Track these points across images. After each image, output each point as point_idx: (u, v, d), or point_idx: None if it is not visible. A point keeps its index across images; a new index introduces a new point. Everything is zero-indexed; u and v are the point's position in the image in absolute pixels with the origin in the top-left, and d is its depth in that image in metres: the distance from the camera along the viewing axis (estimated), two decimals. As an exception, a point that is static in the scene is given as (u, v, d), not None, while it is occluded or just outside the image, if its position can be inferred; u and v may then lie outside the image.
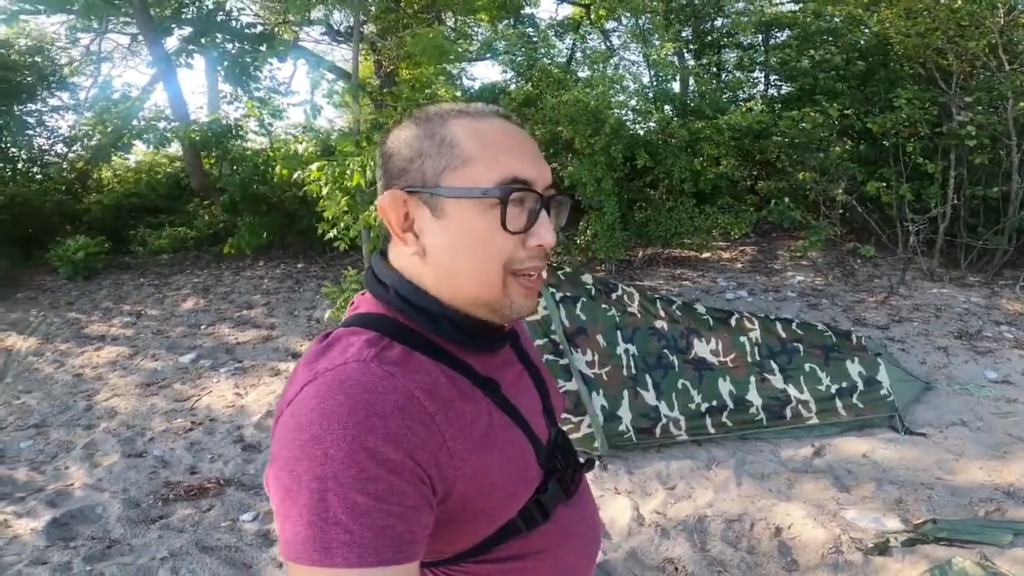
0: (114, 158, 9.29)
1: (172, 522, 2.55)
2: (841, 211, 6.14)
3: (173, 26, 7.19)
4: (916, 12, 5.58)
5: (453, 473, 0.63)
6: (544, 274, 0.73)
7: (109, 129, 7.02)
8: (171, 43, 7.61)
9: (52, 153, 9.58)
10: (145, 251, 8.63)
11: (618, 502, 2.64)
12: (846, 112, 5.74)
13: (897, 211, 5.82)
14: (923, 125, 5.65)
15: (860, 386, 3.32)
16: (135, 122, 7.62)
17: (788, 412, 3.22)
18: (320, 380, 0.61)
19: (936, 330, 4.67)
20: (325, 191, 4.34)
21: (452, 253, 0.68)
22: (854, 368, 3.37)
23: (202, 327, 5.58)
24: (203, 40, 7.13)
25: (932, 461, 2.88)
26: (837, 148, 5.75)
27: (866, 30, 6.22)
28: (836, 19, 6.50)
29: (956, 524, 2.32)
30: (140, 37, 8.10)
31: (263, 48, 6.72)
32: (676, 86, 7.12)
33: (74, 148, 9.56)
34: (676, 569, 2.22)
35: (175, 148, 8.84)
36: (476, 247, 0.66)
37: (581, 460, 0.84)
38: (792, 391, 3.27)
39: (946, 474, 2.77)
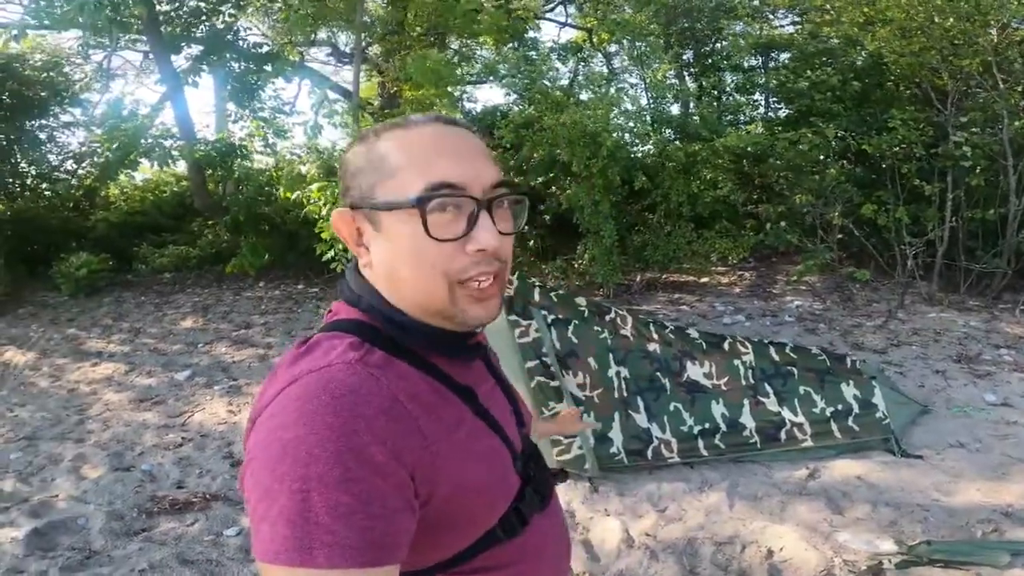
0: (121, 176, 9.38)
1: (154, 535, 2.53)
2: (840, 235, 6.14)
3: (183, 44, 7.32)
4: (911, 31, 5.57)
5: (435, 476, 0.63)
6: (508, 276, 0.71)
7: (115, 146, 7.11)
8: (180, 61, 7.75)
9: (62, 170, 9.65)
10: (147, 269, 8.67)
11: (608, 523, 2.61)
12: (842, 134, 5.75)
13: (895, 234, 5.81)
14: (919, 146, 5.65)
15: (855, 409, 3.29)
16: (143, 140, 7.71)
17: (783, 435, 3.18)
18: (303, 381, 0.61)
19: (935, 354, 4.63)
20: (324, 212, 4.39)
21: (392, 265, 0.68)
22: (849, 391, 3.34)
23: (199, 345, 5.58)
24: (213, 58, 7.26)
25: (929, 483, 2.84)
26: (833, 170, 5.74)
27: (862, 51, 6.26)
28: (833, 40, 6.54)
29: (951, 545, 2.28)
30: (151, 55, 8.24)
31: (268, 68, 6.83)
32: (676, 109, 7.20)
33: (83, 165, 9.66)
34: (663, 591, 2.18)
35: (182, 167, 8.93)
36: (411, 257, 0.66)
37: (552, 471, 0.85)
38: (787, 414, 3.24)
39: (943, 495, 2.73)
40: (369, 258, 0.71)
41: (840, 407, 3.29)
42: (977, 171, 5.50)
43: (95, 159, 8.78)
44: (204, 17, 7.39)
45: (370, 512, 0.55)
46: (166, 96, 8.19)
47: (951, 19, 5.31)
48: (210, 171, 7.83)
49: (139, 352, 5.47)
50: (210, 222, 9.09)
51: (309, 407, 0.58)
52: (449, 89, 5.52)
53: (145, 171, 10.01)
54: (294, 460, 0.55)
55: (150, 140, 7.74)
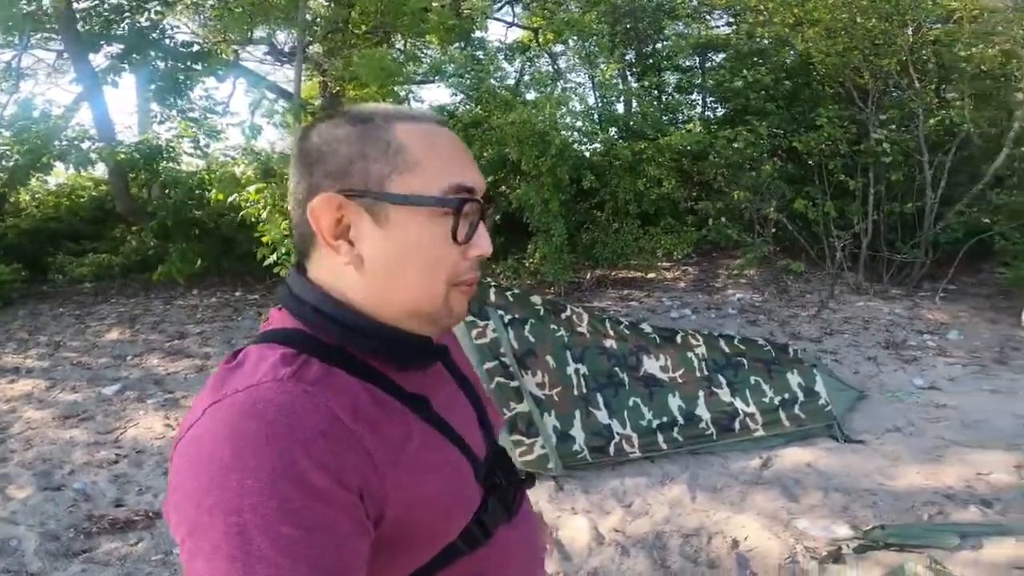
0: (32, 181, 8.70)
1: (96, 556, 2.36)
2: (774, 229, 6.40)
3: (102, 43, 6.85)
4: (836, 31, 5.84)
5: (384, 494, 0.58)
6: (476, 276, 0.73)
7: (26, 148, 6.58)
8: (99, 60, 7.26)
9: (-35, 176, 8.87)
10: (65, 279, 8.08)
11: (576, 522, 2.60)
12: (775, 131, 5.98)
13: (823, 228, 6.11)
14: (843, 143, 5.96)
15: (800, 397, 3.42)
16: (57, 142, 7.16)
17: (736, 425, 3.27)
18: (227, 402, 0.55)
19: (865, 341, 4.89)
20: (264, 215, 4.22)
21: (395, 263, 0.63)
22: (794, 379, 3.47)
23: (128, 358, 5.25)
24: (135, 57, 6.83)
25: (873, 467, 2.98)
26: (768, 167, 5.98)
27: (791, 51, 6.54)
28: (765, 40, 6.80)
29: (904, 529, 2.39)
30: (65, 54, 7.69)
31: (198, 66, 6.49)
32: (620, 108, 7.31)
33: (-12, 170, 8.88)
34: (637, 587, 2.19)
35: (100, 171, 8.37)
36: (423, 258, 0.63)
37: (521, 478, 0.81)
38: (739, 404, 3.33)
39: (887, 479, 2.87)
40: (353, 255, 0.64)
41: (787, 396, 3.41)
42: (896, 167, 5.85)
43: (2, 163, 8.09)
44: (127, 14, 6.93)
45: (315, 540, 0.51)
46: (82, 96, 7.66)
47: (873, 19, 5.61)
48: (133, 174, 7.36)
49: (60, 367, 5.09)
50: (134, 228, 8.56)
51: (234, 432, 0.53)
52: (395, 89, 5.40)
53: (59, 175, 9.34)
54: (222, 491, 0.51)
55: (65, 142, 7.21)
